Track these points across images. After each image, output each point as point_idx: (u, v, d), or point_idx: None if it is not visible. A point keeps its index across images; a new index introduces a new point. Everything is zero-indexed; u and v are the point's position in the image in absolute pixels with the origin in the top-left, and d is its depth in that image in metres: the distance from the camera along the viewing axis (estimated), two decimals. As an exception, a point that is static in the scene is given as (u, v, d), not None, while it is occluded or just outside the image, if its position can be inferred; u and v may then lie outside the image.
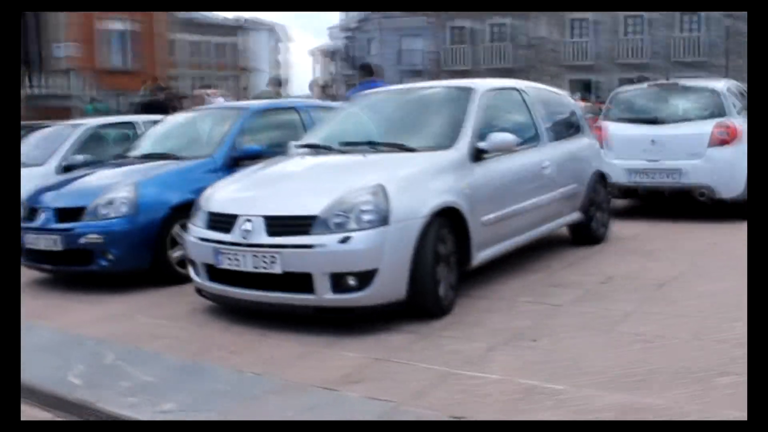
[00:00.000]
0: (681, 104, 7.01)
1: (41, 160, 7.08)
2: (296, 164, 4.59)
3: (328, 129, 5.15)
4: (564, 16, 34.76)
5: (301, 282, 3.70)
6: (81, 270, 5.14)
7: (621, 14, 32.80)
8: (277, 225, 3.78)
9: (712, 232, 6.27)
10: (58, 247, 5.09)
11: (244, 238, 3.84)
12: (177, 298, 4.82)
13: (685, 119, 6.87)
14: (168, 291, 5.05)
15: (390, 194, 3.73)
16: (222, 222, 4.03)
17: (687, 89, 7.21)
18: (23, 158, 7.15)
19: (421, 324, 3.84)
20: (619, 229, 6.33)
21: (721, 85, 7.10)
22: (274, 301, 3.85)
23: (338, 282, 3.65)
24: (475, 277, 4.55)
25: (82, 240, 4.99)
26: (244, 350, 3.61)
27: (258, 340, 3.76)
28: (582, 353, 3.28)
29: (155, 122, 8.03)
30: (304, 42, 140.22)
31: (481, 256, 4.37)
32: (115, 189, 5.10)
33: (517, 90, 5.29)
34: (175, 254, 5.18)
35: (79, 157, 7.06)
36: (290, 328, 3.88)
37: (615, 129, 7.03)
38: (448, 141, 4.35)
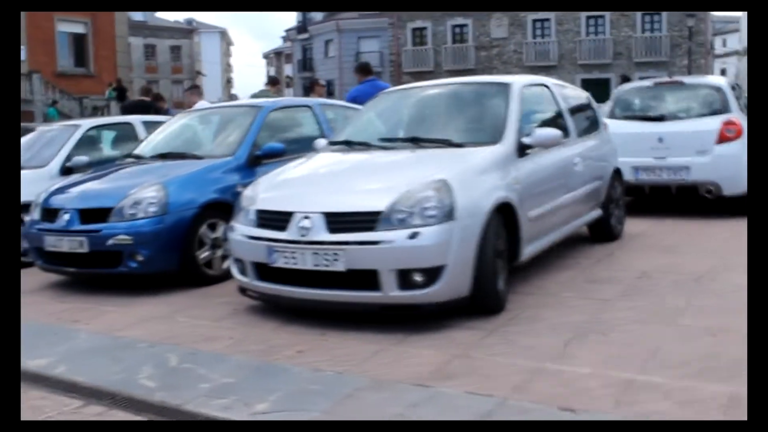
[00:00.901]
0: (686, 101, 7.19)
1: (43, 162, 6.86)
2: (342, 161, 4.53)
3: (359, 126, 5.10)
4: (526, 16, 35.32)
5: (366, 279, 3.66)
6: (108, 272, 4.98)
7: (582, 15, 33.50)
8: (339, 222, 3.73)
9: (720, 227, 6.45)
10: (84, 249, 4.92)
11: (303, 235, 3.77)
12: (212, 299, 4.72)
13: (690, 116, 7.04)
14: (198, 292, 4.94)
15: (454, 189, 3.72)
16: (275, 220, 3.96)
17: (691, 86, 7.40)
18: (23, 161, 6.98)
19: (479, 320, 3.84)
20: (626, 226, 6.44)
21: (723, 81, 7.31)
22: (335, 299, 3.79)
23: (405, 278, 3.62)
24: (513, 273, 4.57)
25: (110, 241, 4.83)
26: (311, 350, 3.55)
27: (320, 339, 3.70)
28: (658, 346, 3.33)
29: (153, 123, 7.92)
30: (244, 45, 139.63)
31: (527, 251, 4.40)
32: (142, 189, 4.96)
33: (546, 86, 5.34)
34: (203, 255, 5.07)
35: (83, 158, 6.87)
36: (347, 327, 3.84)
37: (621, 127, 7.15)
38: (494, 136, 4.36)
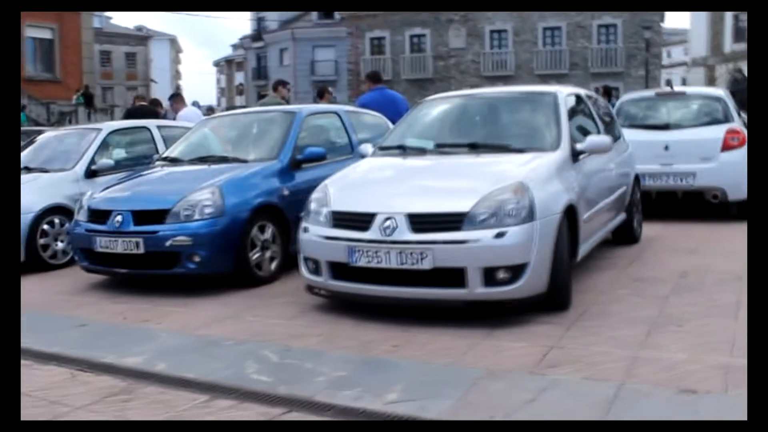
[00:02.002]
0: (689, 111, 7.61)
1: (66, 165, 6.79)
2: (407, 164, 4.69)
3: (409, 132, 5.25)
4: (483, 27, 36.08)
5: (452, 277, 3.83)
6: (164, 273, 5.00)
7: (539, 25, 34.45)
8: (423, 222, 3.89)
9: (729, 231, 6.82)
10: (140, 250, 4.94)
11: (387, 235, 3.91)
12: (270, 300, 4.80)
13: (695, 125, 7.46)
14: (251, 293, 5.01)
15: (532, 192, 3.93)
16: (354, 220, 4.09)
17: (692, 96, 7.85)
18: (43, 164, 6.90)
19: (552, 316, 4.05)
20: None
21: (721, 92, 7.77)
22: (420, 297, 3.95)
23: (490, 276, 3.80)
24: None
25: (169, 242, 4.86)
26: (405, 344, 3.69)
27: (408, 334, 3.84)
28: (733, 336, 3.59)
29: (168, 127, 7.92)
30: (189, 53, 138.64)
31: (582, 251, 4.65)
32: (198, 191, 5.00)
33: (581, 95, 5.62)
34: (254, 256, 5.14)
35: (109, 161, 6.86)
36: (424, 323, 3.99)
37: (627, 135, 7.50)
38: (551, 143, 4.60)
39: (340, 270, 4.14)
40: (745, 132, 7.22)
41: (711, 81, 39.28)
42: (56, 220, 6.39)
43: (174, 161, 6.01)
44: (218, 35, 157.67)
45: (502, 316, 4.00)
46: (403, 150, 4.98)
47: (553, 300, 4.06)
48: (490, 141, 4.74)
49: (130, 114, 9.42)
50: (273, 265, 5.31)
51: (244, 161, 5.61)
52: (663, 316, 4.01)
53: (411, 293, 3.95)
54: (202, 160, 5.84)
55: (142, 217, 5.01)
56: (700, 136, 7.26)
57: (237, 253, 5.01)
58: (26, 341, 3.98)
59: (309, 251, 4.32)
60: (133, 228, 4.99)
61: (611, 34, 32.96)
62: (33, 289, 5.49)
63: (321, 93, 9.42)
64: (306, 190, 5.66)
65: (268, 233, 5.27)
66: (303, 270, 4.43)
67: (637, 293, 4.58)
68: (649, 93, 8.19)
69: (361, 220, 4.05)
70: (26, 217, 6.15)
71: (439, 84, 35.91)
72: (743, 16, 38.66)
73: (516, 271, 3.81)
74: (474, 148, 4.70)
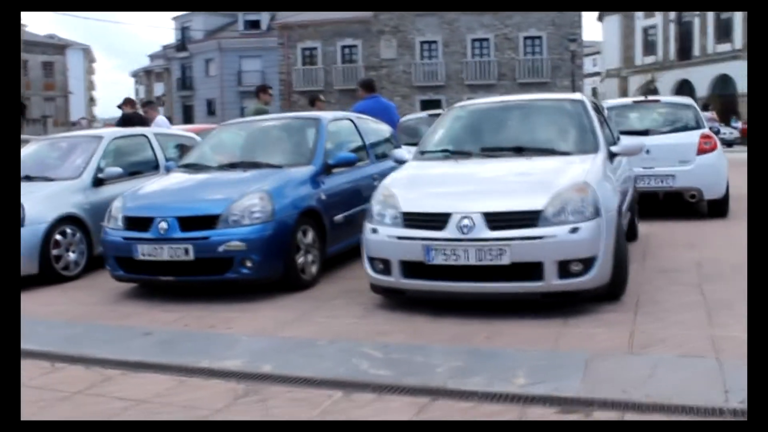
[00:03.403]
0: (665, 117, 8.21)
1: (72, 173, 6.60)
2: (461, 167, 4.91)
3: (447, 137, 5.47)
4: (414, 38, 36.82)
5: (529, 271, 4.08)
6: (215, 279, 4.98)
7: (468, 37, 35.52)
8: (500, 220, 4.12)
9: (711, 227, 7.42)
10: (189, 257, 4.90)
11: (465, 233, 4.12)
12: (326, 301, 4.90)
13: (671, 130, 8.06)
14: (302, 296, 5.09)
15: (596, 190, 4.24)
16: (429, 220, 4.26)
17: (666, 104, 8.47)
18: (44, 173, 6.69)
19: (610, 304, 4.35)
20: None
21: (691, 100, 8.42)
22: (498, 291, 4.17)
23: (564, 269, 4.08)
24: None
25: (222, 248, 4.86)
26: (496, 335, 3.90)
27: (491, 326, 4.04)
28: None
29: (164, 135, 7.85)
30: (100, 63, 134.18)
31: (619, 246, 5.00)
32: (248, 196, 5.03)
33: (593, 101, 6.01)
34: (300, 260, 5.21)
35: (117, 169, 6.72)
36: (499, 315, 4.21)
37: (610, 140, 8.01)
38: (592, 146, 4.94)
39: (413, 269, 4.30)
40: (716, 137, 7.89)
41: (623, 91, 41.61)
42: (68, 230, 6.21)
43: (199, 168, 5.98)
44: (130, 45, 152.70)
45: (567, 306, 4.28)
46: (448, 154, 5.20)
47: (615, 289, 4.37)
48: (534, 145, 5.03)
49: (125, 121, 9.16)
50: (314, 269, 5.39)
51: (279, 167, 5.66)
52: (710, 301, 4.39)
53: (489, 288, 4.16)
54: (232, 166, 5.85)
55: (189, 223, 4.98)
56: (677, 140, 7.85)
57: (286, 257, 5.07)
58: (103, 352, 3.95)
59: (378, 251, 4.45)
60: (180, 234, 4.96)
61: (537, 45, 34.40)
62: (65, 302, 5.34)
63: (313, 101, 9.50)
64: (338, 194, 5.85)
65: (310, 237, 5.35)
66: (369, 270, 4.56)
67: (672, 282, 4.95)
68: (627, 101, 8.77)
69: (436, 220, 4.23)
70: (39, 228, 5.94)
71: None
72: (652, 31, 41.28)
73: (587, 264, 4.10)
74: (519, 151, 4.98)
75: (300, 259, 5.21)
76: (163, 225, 5.00)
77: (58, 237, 6.08)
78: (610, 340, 3.72)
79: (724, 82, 35.37)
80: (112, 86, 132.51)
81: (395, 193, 4.56)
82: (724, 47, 35.54)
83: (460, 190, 4.51)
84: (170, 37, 60.43)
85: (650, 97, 8.72)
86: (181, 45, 51.60)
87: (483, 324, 4.10)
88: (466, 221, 4.13)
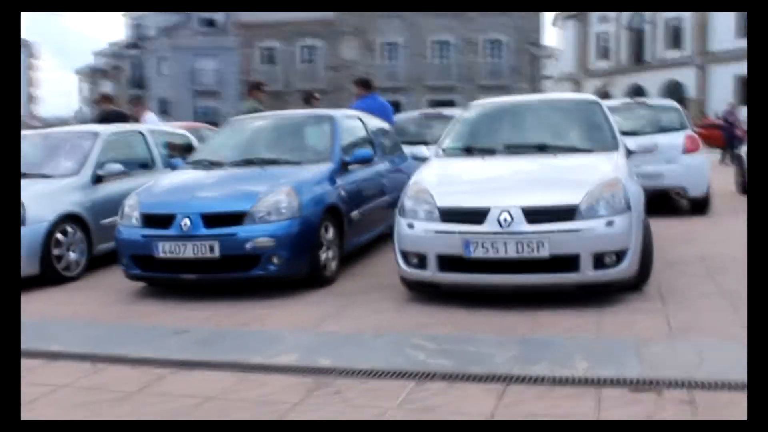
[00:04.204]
0: (652, 119, 8.49)
1: (69, 171, 6.40)
2: (492, 164, 5.00)
3: (467, 135, 5.56)
4: (375, 39, 36.96)
5: (566, 263, 4.20)
6: (240, 277, 4.93)
7: (429, 39, 35.84)
8: (538, 214, 4.22)
9: (701, 224, 7.70)
10: (215, 254, 4.85)
11: (504, 227, 4.21)
12: (356, 296, 4.91)
13: (658, 131, 8.34)
14: (327, 292, 5.10)
15: (625, 186, 4.40)
16: (467, 214, 4.34)
17: (652, 106, 8.76)
18: (38, 169, 6.49)
19: (634, 293, 4.51)
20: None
21: (675, 103, 8.74)
22: (536, 283, 4.28)
23: (599, 261, 4.21)
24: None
25: (249, 244, 4.83)
26: (538, 326, 4.00)
27: (527, 317, 4.14)
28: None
29: (161, 132, 7.74)
30: (45, 60, 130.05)
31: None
32: (275, 193, 5.00)
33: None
34: (323, 256, 5.22)
35: (117, 166, 6.57)
36: (534, 306, 4.31)
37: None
38: (612, 143, 5.12)
39: (451, 262, 4.37)
40: (699, 139, 8.23)
41: (578, 95, 42.49)
42: (69, 229, 6.04)
43: (211, 164, 5.91)
44: (74, 42, 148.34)
45: (594, 297, 4.42)
46: (470, 151, 5.30)
47: (642, 279, 4.54)
48: (556, 142, 5.17)
49: (103, 118, 8.85)
50: (334, 265, 5.40)
51: (297, 163, 5.65)
52: (726, 291, 4.59)
53: (527, 280, 4.27)
54: (247, 162, 5.81)
55: (213, 220, 4.92)
56: (664, 141, 8.13)
57: (311, 253, 5.07)
58: (142, 351, 3.88)
59: (413, 246, 4.50)
60: (205, 231, 4.90)
61: (497, 49, 34.95)
62: (78, 302, 5.18)
63: (307, 98, 9.45)
64: (354, 190, 5.87)
65: (331, 233, 5.36)
66: (402, 265, 4.60)
67: (682, 274, 5.15)
68: (615, 102, 9.03)
69: (475, 214, 4.31)
70: (40, 227, 5.72)
71: (331, 95, 36.17)
72: (606, 36, 42.43)
73: (619, 256, 4.25)
74: (542, 148, 5.11)
75: (323, 256, 5.22)
76: (186, 222, 4.92)
77: (59, 236, 5.88)
78: (649, 327, 3.88)
79: (674, 87, 36.61)
80: (55, 84, 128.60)
81: (428, 188, 4.62)
82: (675, 54, 36.82)
83: (495, 185, 4.60)
84: (120, 34, 58.89)
85: (637, 99, 9.01)
86: (133, 43, 50.48)
87: (520, 315, 4.20)
88: (505, 215, 4.22)
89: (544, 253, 4.17)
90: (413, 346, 3.71)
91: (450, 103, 34.38)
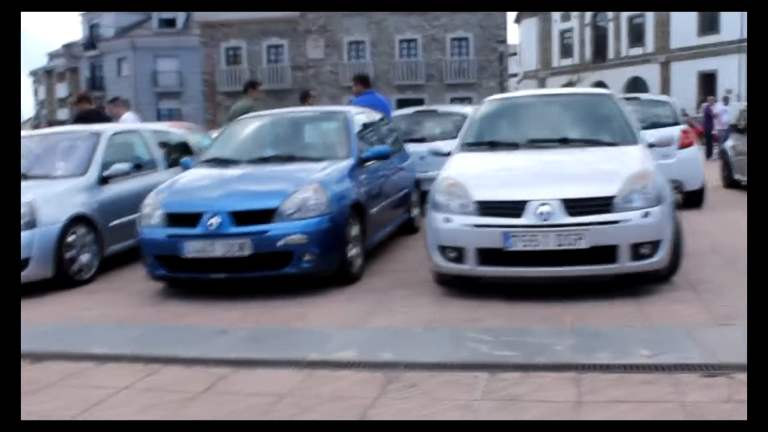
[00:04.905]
0: (645, 113, 8.67)
1: (75, 171, 6.24)
2: (522, 157, 5.05)
3: (488, 129, 5.59)
4: (342, 38, 36.82)
5: (604, 254, 4.27)
6: (271, 275, 4.88)
7: (396, 38, 35.86)
8: (577, 206, 4.29)
9: (699, 217, 7.87)
10: (245, 252, 4.79)
11: (544, 220, 4.27)
12: (389, 292, 4.91)
13: (653, 126, 8.52)
14: (357, 288, 5.09)
15: (657, 178, 4.50)
16: (505, 208, 4.38)
17: (646, 102, 8.95)
18: (41, 170, 6.33)
19: (660, 284, 4.60)
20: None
21: (671, 98, 8.94)
22: (575, 274, 4.34)
23: (636, 251, 4.30)
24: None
25: (281, 242, 4.78)
26: (584, 316, 4.06)
27: (568, 308, 4.21)
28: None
29: (157, 131, 7.61)
30: None
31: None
32: (304, 189, 4.96)
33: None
34: (350, 253, 5.20)
35: (123, 166, 6.43)
36: (567, 297, 4.38)
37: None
38: (632, 137, 5.22)
39: (490, 256, 4.40)
40: (693, 133, 8.46)
41: (541, 92, 43.14)
42: (80, 231, 5.87)
43: (227, 162, 5.83)
44: (25, 43, 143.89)
45: (630, 287, 4.51)
46: (493, 145, 5.34)
47: (673, 270, 4.64)
48: (578, 136, 5.26)
49: (81, 119, 8.60)
50: (359, 262, 5.38)
51: (317, 160, 5.61)
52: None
53: (567, 271, 4.33)
54: (264, 160, 5.75)
55: (243, 217, 4.86)
56: (660, 135, 8.32)
57: (340, 250, 5.05)
58: (191, 351, 3.82)
59: (452, 240, 4.51)
60: (234, 229, 4.84)
61: (464, 47, 35.19)
62: (101, 305, 5.05)
63: (304, 97, 9.39)
64: (373, 187, 5.87)
65: (356, 230, 5.35)
66: (439, 259, 4.62)
67: (703, 264, 5.27)
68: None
69: (513, 208, 4.35)
70: (52, 229, 5.55)
71: (298, 94, 36.02)
72: (568, 34, 43.15)
73: (654, 246, 4.35)
74: (565, 142, 5.19)
75: (349, 253, 5.20)
76: (215, 220, 4.85)
77: (71, 238, 5.73)
78: (693, 315, 3.98)
79: (636, 84, 37.42)
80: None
81: (462, 182, 4.64)
82: (637, 51, 37.66)
83: (529, 178, 4.65)
84: (76, 35, 57.35)
85: (630, 95, 9.20)
86: (90, 43, 49.32)
87: (561, 306, 4.26)
88: (544, 208, 4.28)
89: (584, 244, 4.24)
90: (471, 339, 3.74)
91: (418, 102, 34.57)
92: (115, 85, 46.90)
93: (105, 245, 6.14)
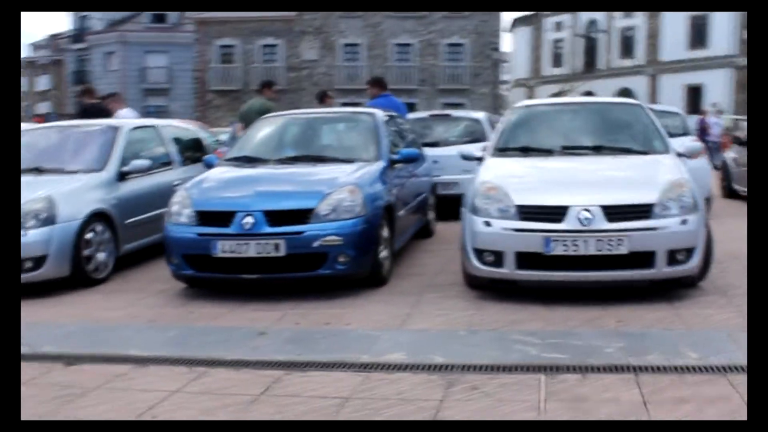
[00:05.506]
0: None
1: (96, 167, 6.15)
2: (558, 163, 5.10)
3: (521, 136, 5.63)
4: (336, 40, 36.85)
5: (642, 259, 4.34)
6: (306, 276, 4.86)
7: (390, 42, 35.95)
8: (617, 212, 4.35)
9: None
10: (280, 253, 4.77)
11: (585, 225, 4.32)
12: (424, 294, 4.94)
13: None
14: (387, 290, 5.10)
15: (692, 186, 4.57)
16: (547, 213, 4.42)
17: (658, 112, 9.03)
18: (56, 165, 6.24)
19: (689, 289, 4.68)
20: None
21: (679, 109, 9.08)
22: (614, 279, 4.40)
23: (672, 257, 4.37)
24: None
25: (317, 243, 4.77)
26: (625, 319, 4.12)
27: (607, 311, 4.27)
28: None
29: (173, 127, 7.58)
30: None
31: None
32: (340, 190, 4.95)
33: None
34: (381, 255, 5.21)
35: (144, 162, 6.38)
36: (604, 301, 4.43)
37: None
38: (663, 146, 5.30)
39: (529, 260, 4.44)
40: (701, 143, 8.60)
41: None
42: (98, 228, 5.79)
43: (254, 161, 5.82)
44: None
45: (663, 292, 4.57)
46: (526, 151, 5.39)
47: (703, 275, 4.71)
48: (611, 144, 5.32)
49: (86, 112, 8.51)
50: (388, 264, 5.39)
51: (346, 161, 5.61)
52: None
53: (606, 276, 4.38)
54: (293, 159, 5.75)
55: (277, 217, 4.84)
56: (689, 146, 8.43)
57: (374, 252, 5.06)
58: (236, 353, 3.80)
59: (490, 244, 4.54)
60: (269, 229, 4.81)
61: (458, 53, 35.36)
62: (125, 305, 4.99)
63: (322, 97, 9.36)
64: (401, 189, 5.89)
65: (386, 232, 5.35)
66: (475, 262, 4.64)
67: (724, 270, 5.28)
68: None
69: (554, 213, 4.39)
70: (70, 226, 5.44)
71: (291, 95, 35.97)
72: (560, 44, 43.49)
73: (689, 253, 4.42)
74: (598, 149, 5.25)
75: (380, 255, 5.21)
76: (249, 220, 4.82)
77: (89, 236, 5.62)
78: (729, 318, 4.07)
79: (625, 94, 37.78)
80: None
81: (502, 186, 4.67)
82: (627, 62, 38.05)
83: (569, 184, 4.69)
84: (62, 26, 56.63)
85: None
86: (78, 36, 48.79)
87: (598, 309, 4.32)
88: (585, 213, 4.33)
89: (624, 249, 4.30)
90: (517, 342, 3.76)
91: (411, 106, 34.61)
92: (102, 79, 46.28)
93: (120, 243, 6.06)
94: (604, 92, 38.72)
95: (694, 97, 33.46)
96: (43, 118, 32.52)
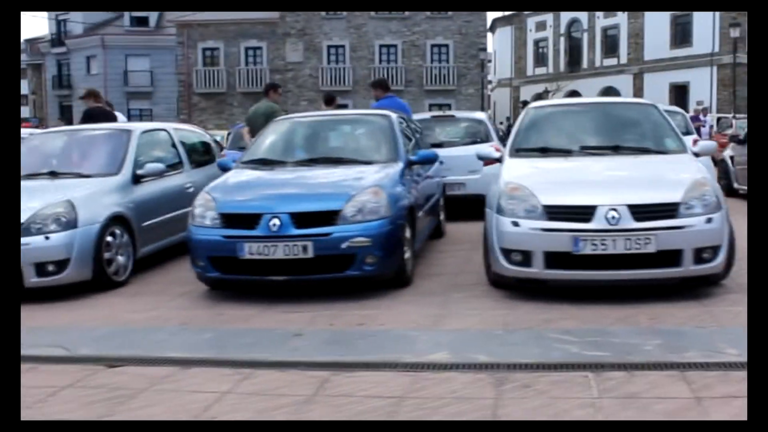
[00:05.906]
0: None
1: (111, 170, 6.13)
2: (580, 163, 5.17)
3: (538, 136, 5.70)
4: (321, 42, 36.79)
5: (670, 258, 4.42)
6: (334, 277, 4.88)
7: (376, 43, 35.98)
8: (643, 212, 4.42)
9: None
10: (308, 254, 4.78)
11: (613, 224, 4.39)
12: (450, 294, 4.99)
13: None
14: (412, 291, 5.12)
15: (715, 185, 4.67)
16: (575, 212, 4.49)
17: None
18: (81, 168, 6.22)
19: (712, 287, 4.76)
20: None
21: (679, 108, 9.24)
22: (642, 277, 4.48)
23: (698, 256, 4.46)
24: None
25: (345, 244, 4.79)
26: (657, 317, 4.19)
27: (639, 309, 4.34)
28: None
29: (182, 130, 7.56)
30: None
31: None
32: (364, 191, 4.97)
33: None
34: (405, 256, 5.24)
35: (159, 165, 6.36)
36: (631, 299, 4.50)
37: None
38: (679, 146, 5.40)
39: (558, 259, 4.50)
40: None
41: (515, 100, 43.82)
42: (118, 231, 5.79)
43: (273, 163, 5.82)
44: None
45: (684, 289, 4.65)
46: (544, 152, 5.45)
47: (727, 274, 4.80)
48: (629, 143, 5.41)
49: (91, 116, 8.43)
50: (410, 265, 5.42)
51: (365, 163, 5.63)
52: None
53: (634, 275, 4.46)
54: (312, 161, 5.76)
55: (304, 219, 4.85)
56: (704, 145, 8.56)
57: (400, 253, 5.09)
58: (277, 355, 3.82)
59: (518, 244, 4.59)
60: (297, 231, 4.83)
61: (443, 53, 35.47)
62: (150, 308, 4.99)
63: (329, 100, 9.36)
64: (420, 190, 5.92)
65: (408, 233, 5.39)
66: (503, 262, 4.69)
67: (739, 267, 5.44)
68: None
69: (582, 212, 4.46)
70: (91, 229, 5.42)
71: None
72: (543, 44, 43.84)
73: (715, 251, 4.51)
74: (617, 149, 5.33)
75: (406, 255, 5.24)
76: (276, 221, 4.83)
77: (108, 239, 5.60)
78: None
79: (609, 93, 38.20)
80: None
81: (527, 186, 4.73)
82: (611, 61, 38.46)
83: (594, 184, 4.76)
84: (41, 30, 55.93)
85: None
86: (58, 40, 48.23)
87: (630, 308, 4.38)
88: (613, 213, 4.40)
89: (651, 248, 4.37)
90: (556, 340, 3.82)
91: (396, 107, 34.61)
92: (83, 83, 45.65)
93: (138, 246, 6.05)
94: (589, 91, 39.13)
95: (681, 95, 33.85)
96: (29, 122, 32.13)
